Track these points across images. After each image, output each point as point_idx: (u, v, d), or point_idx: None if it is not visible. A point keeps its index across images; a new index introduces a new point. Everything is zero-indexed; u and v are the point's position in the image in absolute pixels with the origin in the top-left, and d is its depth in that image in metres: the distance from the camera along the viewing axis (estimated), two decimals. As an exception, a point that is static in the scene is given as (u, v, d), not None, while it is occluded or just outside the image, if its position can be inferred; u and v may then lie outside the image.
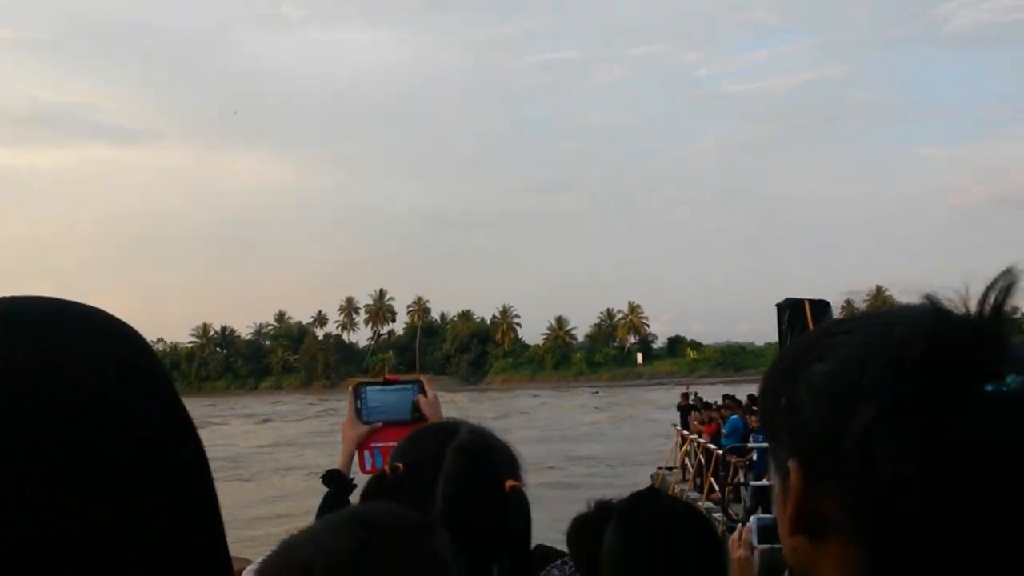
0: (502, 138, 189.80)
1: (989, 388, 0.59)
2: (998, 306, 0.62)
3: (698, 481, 18.99)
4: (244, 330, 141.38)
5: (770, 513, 5.54)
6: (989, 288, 0.63)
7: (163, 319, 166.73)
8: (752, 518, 3.24)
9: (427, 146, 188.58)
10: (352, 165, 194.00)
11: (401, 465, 1.34)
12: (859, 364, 0.63)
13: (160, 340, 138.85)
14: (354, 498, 1.95)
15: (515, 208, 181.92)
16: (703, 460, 18.59)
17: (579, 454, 32.63)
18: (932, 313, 0.64)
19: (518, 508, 1.32)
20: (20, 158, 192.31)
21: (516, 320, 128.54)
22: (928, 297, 0.65)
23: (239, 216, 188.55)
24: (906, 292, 0.64)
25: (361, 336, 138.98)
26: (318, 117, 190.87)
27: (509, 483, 1.32)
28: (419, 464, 1.33)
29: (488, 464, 1.35)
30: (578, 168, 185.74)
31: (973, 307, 0.63)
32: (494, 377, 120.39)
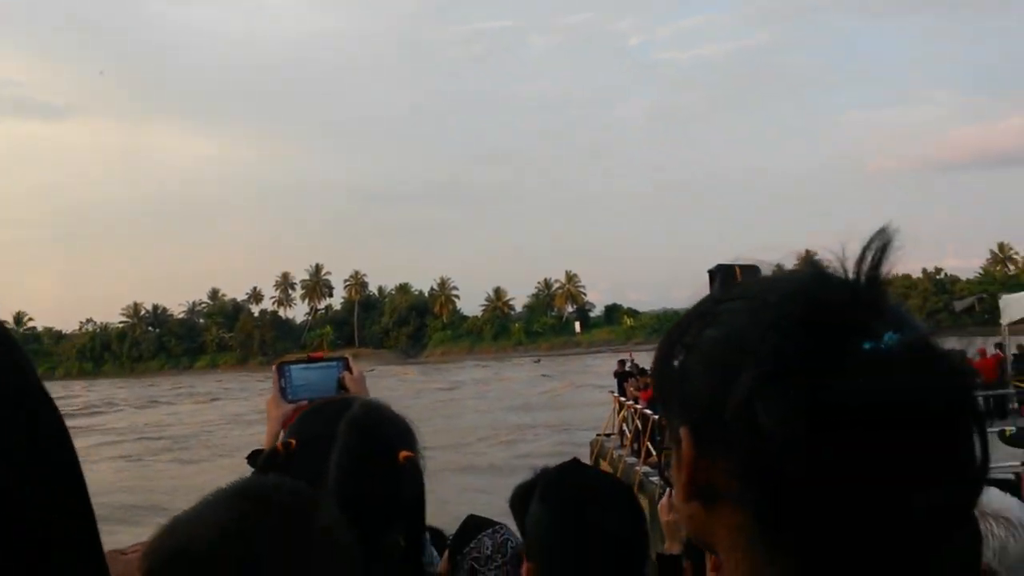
0: (434, 110, 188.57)
1: (867, 346, 0.59)
2: (875, 266, 0.63)
3: (635, 446, 19.27)
4: (177, 309, 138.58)
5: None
6: (865, 249, 0.63)
7: (92, 299, 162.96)
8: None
9: (359, 119, 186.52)
10: (283, 139, 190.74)
11: (294, 441, 1.35)
12: (743, 330, 0.63)
13: (90, 320, 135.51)
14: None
15: (450, 180, 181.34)
16: (640, 425, 18.86)
17: (543, 421, 32.66)
18: (811, 276, 0.64)
19: (412, 478, 1.33)
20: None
21: (455, 292, 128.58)
22: (807, 260, 0.66)
23: (168, 192, 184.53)
24: (821, 252, 0.64)
25: (298, 312, 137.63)
26: (247, 91, 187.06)
27: (403, 454, 1.34)
28: (313, 439, 1.34)
29: (381, 437, 1.36)
30: (511, 139, 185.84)
31: (851, 267, 0.63)
32: (433, 350, 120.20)
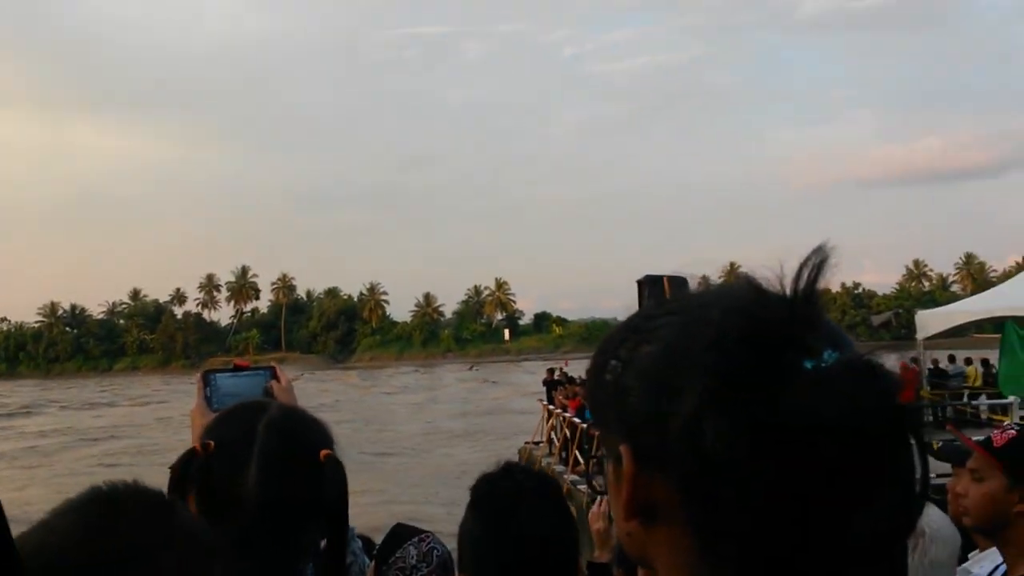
0: (364, 113, 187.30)
1: (808, 365, 0.59)
2: (811, 283, 0.63)
3: (563, 454, 19.43)
4: (96, 309, 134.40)
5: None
6: (802, 266, 0.63)
7: (6, 298, 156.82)
8: (611, 491, 3.36)
9: (290, 120, 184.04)
10: (211, 138, 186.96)
11: (212, 442, 1.33)
12: (682, 346, 0.62)
13: (4, 319, 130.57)
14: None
15: (379, 184, 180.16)
16: (568, 434, 19.00)
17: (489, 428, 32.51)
18: (748, 292, 0.64)
19: (334, 477, 1.33)
20: None
21: (384, 297, 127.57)
22: (744, 276, 0.65)
23: (89, 189, 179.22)
24: (758, 269, 0.65)
25: (223, 315, 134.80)
26: (175, 89, 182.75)
27: (324, 453, 1.34)
28: (230, 442, 1.33)
29: (302, 437, 1.36)
30: (442, 145, 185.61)
31: (788, 285, 0.63)
32: (362, 355, 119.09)
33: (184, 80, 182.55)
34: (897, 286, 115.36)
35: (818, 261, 0.63)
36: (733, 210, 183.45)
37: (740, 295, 0.64)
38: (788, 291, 0.63)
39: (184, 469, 1.31)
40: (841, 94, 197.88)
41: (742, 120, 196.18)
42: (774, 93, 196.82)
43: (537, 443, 22.79)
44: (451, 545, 1.84)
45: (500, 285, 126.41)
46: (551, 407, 22.19)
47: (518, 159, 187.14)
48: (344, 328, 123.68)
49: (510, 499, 1.66)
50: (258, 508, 1.28)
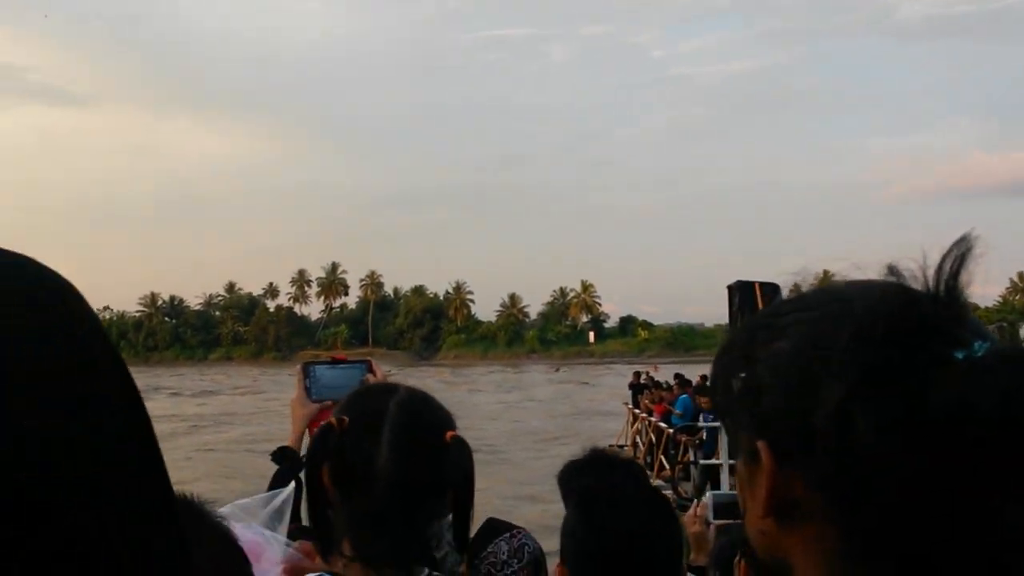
0: (453, 114, 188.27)
1: (960, 356, 0.58)
2: (954, 274, 0.62)
3: (648, 459, 19.24)
4: (193, 300, 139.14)
5: (719, 490, 5.68)
6: (945, 257, 0.62)
7: (109, 288, 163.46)
8: (708, 494, 3.29)
9: (378, 120, 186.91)
10: (302, 138, 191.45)
11: (346, 419, 1.36)
12: (824, 340, 0.61)
13: (107, 308, 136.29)
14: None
15: (467, 184, 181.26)
16: (654, 439, 18.84)
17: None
18: (891, 285, 0.63)
19: (460, 457, 1.36)
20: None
21: (469, 296, 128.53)
22: (888, 269, 0.65)
23: (188, 185, 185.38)
24: (902, 261, 0.63)
25: (313, 309, 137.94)
26: (268, 89, 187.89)
27: (449, 434, 1.37)
28: (363, 420, 1.36)
29: (429, 418, 1.40)
30: (529, 146, 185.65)
31: (931, 277, 0.62)
32: (447, 353, 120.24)
33: (276, 82, 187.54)
34: (1000, 299, 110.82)
35: (961, 252, 0.62)
36: (822, 218, 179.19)
37: (883, 288, 0.63)
38: (931, 283, 0.62)
39: (320, 443, 1.35)
40: (937, 102, 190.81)
41: (833, 126, 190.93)
42: (866, 100, 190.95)
43: (621, 446, 22.63)
44: (544, 543, 1.83)
45: (586, 287, 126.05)
46: (636, 411, 22.02)
47: (603, 161, 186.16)
48: (430, 326, 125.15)
49: (610, 495, 1.64)
50: (388, 486, 1.31)
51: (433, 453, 1.35)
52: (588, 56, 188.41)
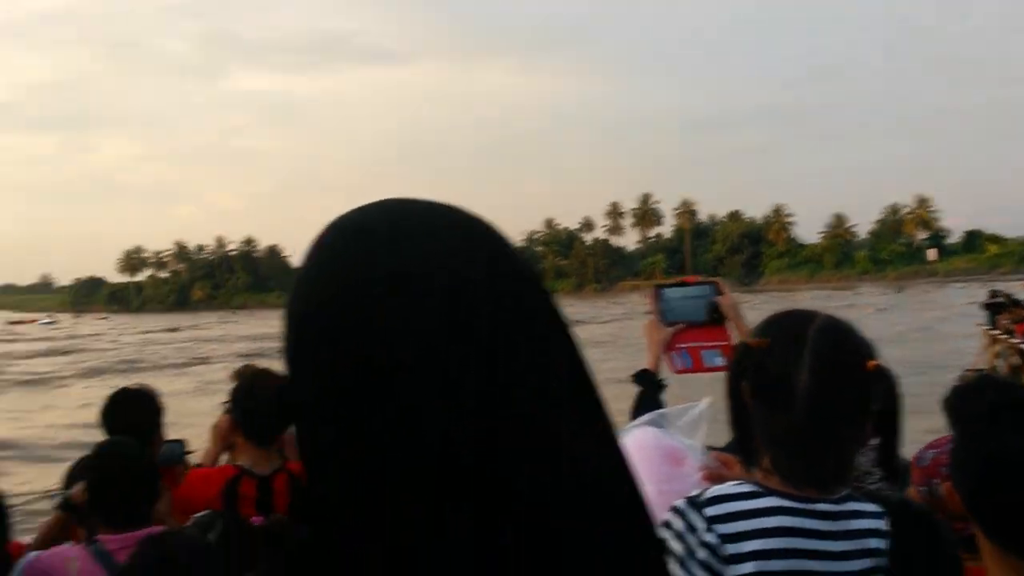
0: (755, 26, 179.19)
1: None
2: None
3: (1013, 385, 17.24)
4: (515, 237, 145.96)
5: None
6: None
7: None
8: None
9: (678, 42, 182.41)
10: (602, 71, 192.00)
11: (768, 340, 1.39)
12: None
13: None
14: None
15: (781, 101, 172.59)
16: (1021, 360, 16.85)
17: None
18: None
19: (883, 385, 1.36)
20: (300, 85, 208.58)
21: (789, 219, 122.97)
22: None
23: (499, 127, 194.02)
24: None
25: (628, 240, 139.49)
26: (564, 28, 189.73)
27: (871, 363, 1.35)
28: (782, 342, 1.38)
29: (851, 343, 1.38)
30: (844, 53, 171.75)
31: None
32: (770, 278, 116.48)
33: (572, 19, 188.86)
34: None
35: None
36: None
37: None
38: None
39: (741, 362, 1.40)
40: None
41: None
42: None
43: (979, 371, 20.44)
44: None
45: (921, 202, 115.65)
46: (994, 332, 19.74)
47: (936, 62, 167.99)
48: (749, 251, 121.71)
49: (986, 412, 1.46)
50: (808, 409, 1.33)
51: (854, 380, 1.34)
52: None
